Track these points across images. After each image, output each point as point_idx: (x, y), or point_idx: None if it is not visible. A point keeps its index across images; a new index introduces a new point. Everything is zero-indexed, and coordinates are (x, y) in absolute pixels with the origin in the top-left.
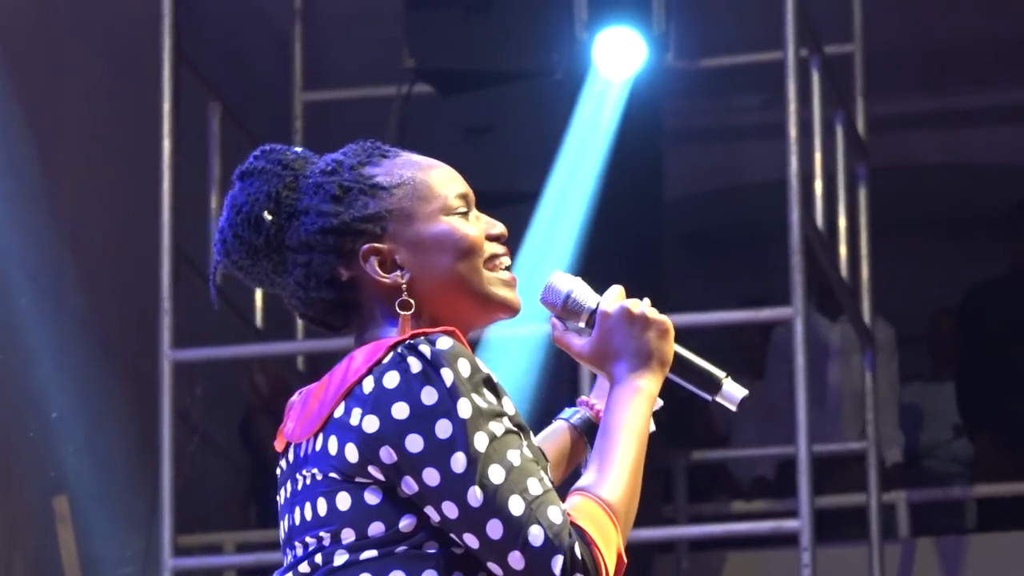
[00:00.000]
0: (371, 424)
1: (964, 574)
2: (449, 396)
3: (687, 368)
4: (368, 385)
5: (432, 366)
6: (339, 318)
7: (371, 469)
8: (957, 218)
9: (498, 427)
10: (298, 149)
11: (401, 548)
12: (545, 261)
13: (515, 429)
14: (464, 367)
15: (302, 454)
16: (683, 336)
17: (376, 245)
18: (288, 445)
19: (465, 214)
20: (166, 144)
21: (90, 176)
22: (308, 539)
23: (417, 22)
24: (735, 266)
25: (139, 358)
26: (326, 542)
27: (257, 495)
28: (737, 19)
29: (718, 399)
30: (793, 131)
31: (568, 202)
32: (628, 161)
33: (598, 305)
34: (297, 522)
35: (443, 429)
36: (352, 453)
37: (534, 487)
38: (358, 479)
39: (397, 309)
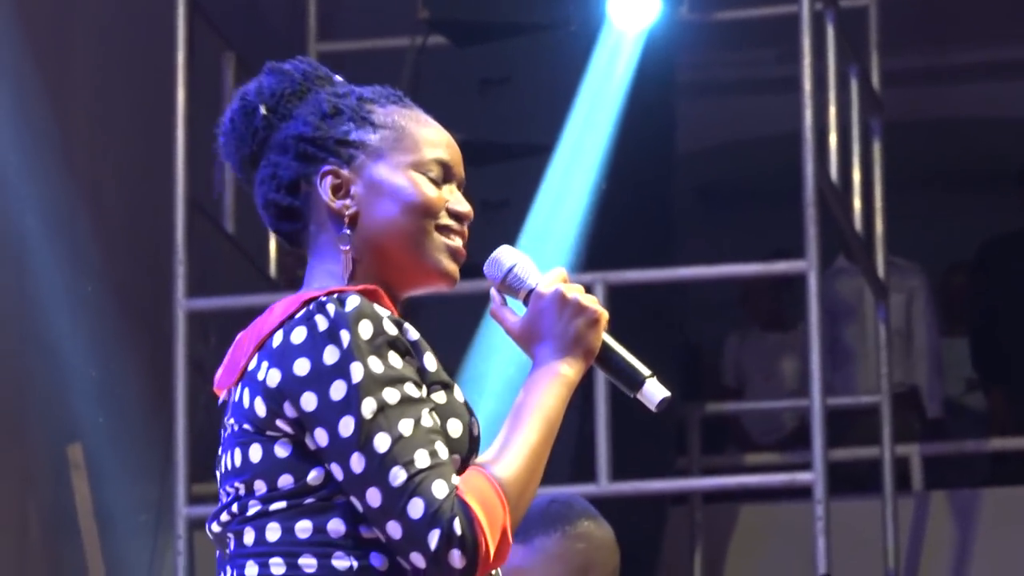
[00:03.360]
0: (274, 378)
1: (977, 527)
2: (345, 358)
3: (611, 362)
4: (277, 339)
5: (336, 325)
6: (288, 227)
7: (279, 423)
8: (972, 171)
9: (393, 394)
10: (338, 77)
11: (309, 500)
12: (560, 213)
13: (417, 396)
14: (365, 329)
15: (229, 402)
16: (698, 290)
17: (337, 169)
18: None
19: (437, 182)
20: (180, 95)
21: (104, 127)
22: (228, 488)
23: None
24: (748, 219)
25: (154, 308)
26: (242, 492)
27: None
28: None
29: (639, 397)
30: (808, 85)
31: (582, 154)
32: (642, 114)
33: (536, 285)
34: (224, 469)
35: (337, 390)
36: (260, 407)
37: (421, 459)
38: (268, 432)
39: (337, 243)
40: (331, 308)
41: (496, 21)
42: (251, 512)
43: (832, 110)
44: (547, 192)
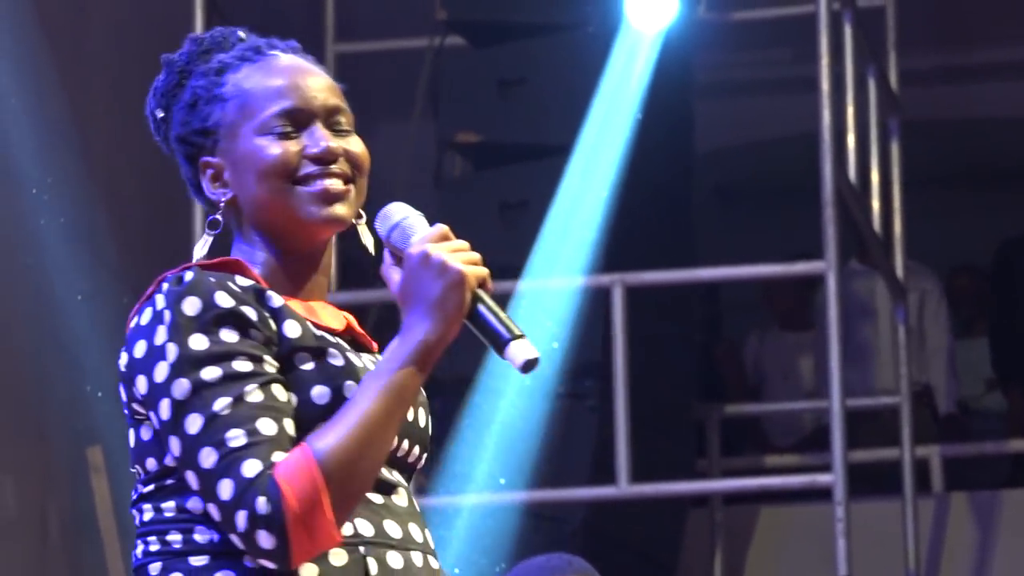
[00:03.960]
0: (123, 361)
1: (998, 529)
2: (166, 339)
3: (479, 322)
4: (133, 321)
5: (166, 304)
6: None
7: (135, 406)
8: (991, 171)
9: (213, 371)
10: (220, 33)
11: (169, 481)
12: (577, 214)
13: (247, 371)
14: (191, 305)
15: None
16: (713, 288)
17: (209, 160)
18: None
19: (285, 134)
20: None
21: (123, 127)
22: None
23: None
24: (766, 220)
25: None
26: (135, 477)
27: None
28: None
29: (505, 358)
30: (825, 85)
31: (600, 155)
32: (660, 114)
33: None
34: None
35: (160, 372)
36: (122, 391)
37: (235, 439)
38: (135, 416)
39: (205, 228)
40: (165, 286)
41: (514, 22)
42: (136, 496)
43: (850, 110)
44: (565, 193)
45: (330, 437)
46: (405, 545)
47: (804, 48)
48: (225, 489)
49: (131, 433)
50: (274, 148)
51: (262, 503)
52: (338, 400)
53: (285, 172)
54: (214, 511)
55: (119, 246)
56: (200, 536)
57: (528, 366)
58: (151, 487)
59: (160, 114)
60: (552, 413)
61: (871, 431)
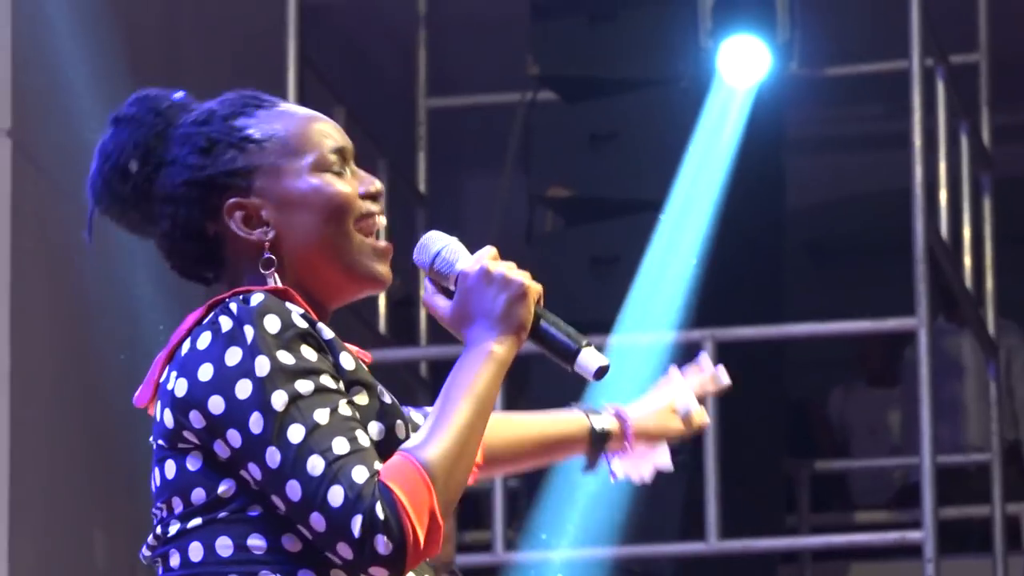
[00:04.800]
0: (181, 388)
1: None
2: (250, 354)
3: (544, 335)
4: (185, 347)
5: (239, 324)
6: (207, 271)
7: (186, 434)
8: None
9: (306, 384)
10: (178, 95)
11: (223, 513)
12: (668, 269)
13: (334, 387)
14: (272, 323)
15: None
16: (806, 345)
17: (241, 200)
18: None
19: (340, 172)
20: None
21: None
22: (154, 510)
23: (542, 29)
24: (857, 275)
25: None
26: (164, 513)
27: None
28: (862, 28)
29: (576, 369)
30: (918, 140)
31: (691, 210)
32: (751, 169)
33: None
34: (152, 492)
35: (243, 389)
36: (169, 419)
37: (339, 446)
38: (180, 445)
39: (260, 268)
40: (234, 307)
41: (606, 77)
42: (172, 532)
43: (942, 166)
44: (657, 248)
45: (429, 445)
46: None
47: (897, 103)
48: (336, 496)
49: (169, 465)
50: (338, 184)
51: (379, 508)
52: (390, 438)
53: (350, 210)
54: (319, 521)
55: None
56: None
57: (600, 372)
58: (197, 521)
59: (134, 167)
60: None
61: (960, 488)
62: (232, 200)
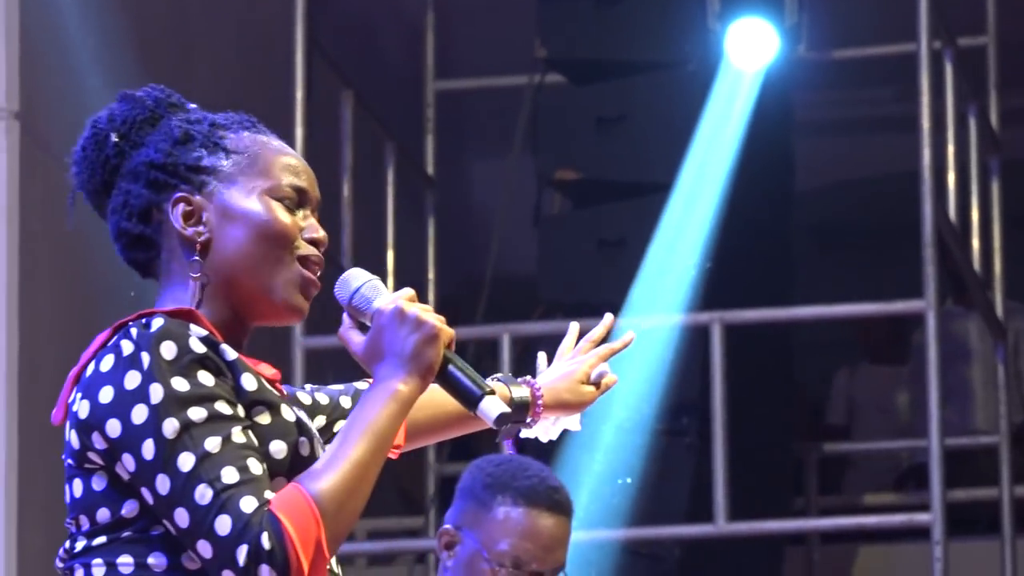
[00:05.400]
0: (84, 409)
1: None
2: (146, 380)
3: (449, 379)
4: (89, 369)
5: (138, 348)
6: (141, 256)
7: (91, 455)
8: None
9: (199, 412)
10: (192, 105)
11: (127, 533)
12: (677, 252)
13: (229, 413)
14: (168, 350)
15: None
16: (810, 327)
17: (188, 196)
18: None
19: (291, 208)
20: (298, 133)
21: None
22: (66, 523)
23: (550, 12)
24: (865, 258)
25: (272, 345)
26: (72, 529)
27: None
28: (870, 10)
29: (477, 414)
30: (926, 123)
31: (699, 193)
32: (759, 152)
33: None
34: (67, 505)
35: (139, 414)
36: (75, 439)
37: (229, 475)
38: (86, 465)
39: (187, 271)
40: (135, 332)
41: (613, 59)
42: (78, 549)
43: (950, 149)
44: (664, 230)
45: (321, 478)
46: None
47: (905, 86)
48: (223, 525)
49: (76, 484)
50: (284, 215)
51: (265, 538)
52: (294, 456)
53: (286, 242)
54: (205, 548)
55: None
56: None
57: (501, 420)
58: (101, 539)
59: (114, 138)
60: (650, 450)
61: (968, 471)
62: (181, 193)
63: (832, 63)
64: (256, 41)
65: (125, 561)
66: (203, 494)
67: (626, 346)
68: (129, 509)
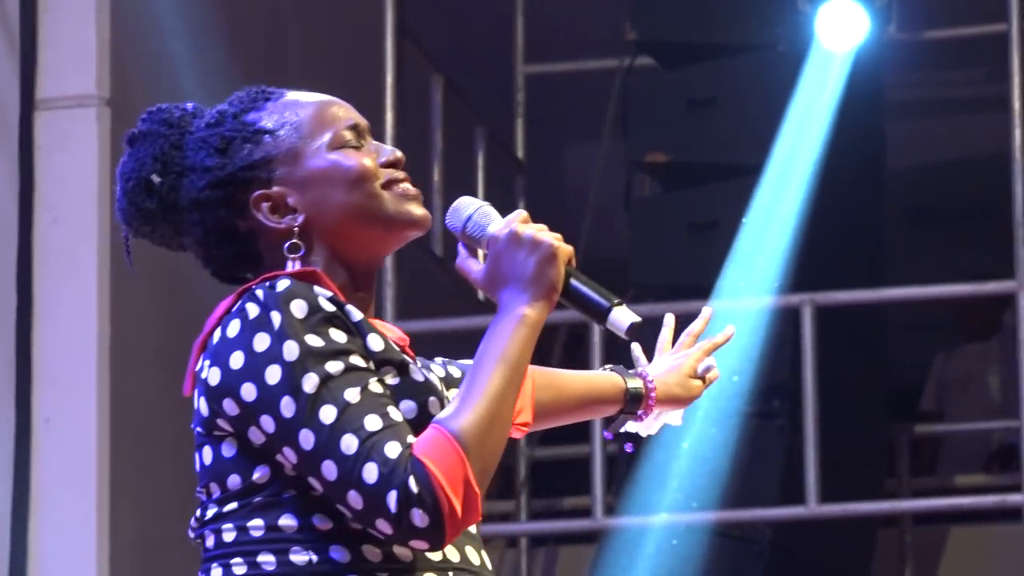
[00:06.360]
0: (214, 376)
1: None
2: (278, 340)
3: (576, 295)
4: (216, 336)
5: (266, 310)
6: (245, 271)
7: (220, 422)
8: None
9: (335, 365)
10: (188, 105)
11: (258, 499)
12: (768, 234)
13: (364, 366)
14: (299, 308)
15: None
16: (906, 308)
17: (266, 191)
18: None
19: (356, 147)
20: (389, 117)
21: None
22: (197, 492)
23: None
24: (958, 239)
25: None
26: (203, 497)
27: None
28: None
29: (608, 327)
30: (1017, 103)
31: (791, 175)
32: (851, 134)
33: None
34: (197, 474)
35: (273, 374)
36: (204, 407)
37: (372, 423)
38: (215, 433)
39: (286, 253)
40: (260, 293)
41: (703, 42)
42: (209, 516)
43: None
44: (755, 212)
45: (460, 415)
46: (480, 572)
47: (996, 67)
48: (370, 472)
49: (206, 452)
50: (356, 157)
51: (412, 482)
52: (423, 415)
53: (371, 178)
54: (356, 499)
55: None
56: (297, 557)
57: (632, 330)
58: (232, 505)
59: (157, 179)
60: (741, 433)
61: None
62: (257, 193)
63: (922, 44)
64: (346, 27)
65: (256, 524)
66: (348, 444)
67: (728, 340)
68: (260, 474)
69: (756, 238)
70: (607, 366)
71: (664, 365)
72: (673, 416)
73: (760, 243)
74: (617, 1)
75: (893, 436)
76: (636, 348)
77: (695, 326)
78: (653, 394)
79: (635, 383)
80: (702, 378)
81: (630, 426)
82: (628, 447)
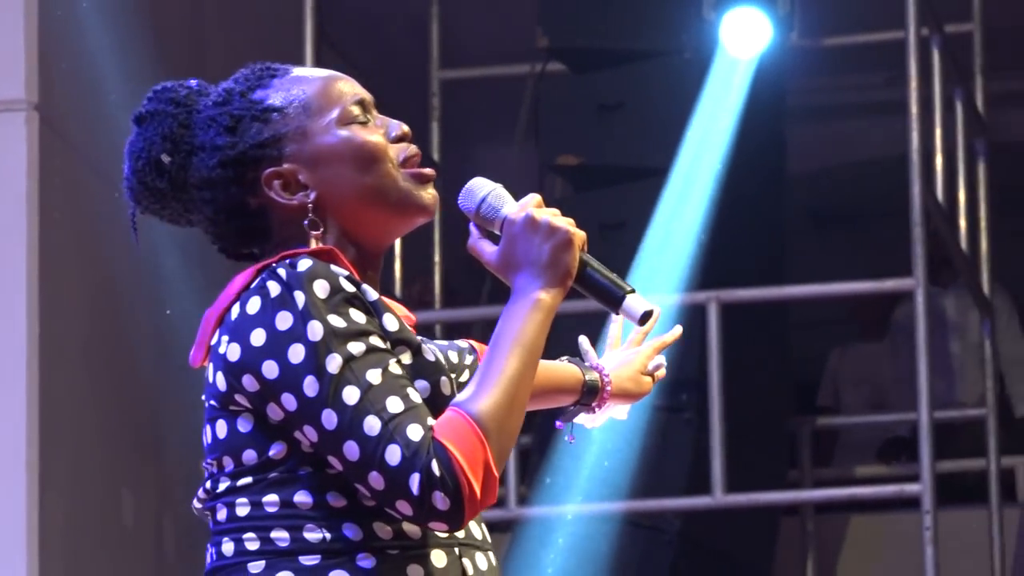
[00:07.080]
0: (234, 352)
1: None
2: (301, 319)
3: (590, 282)
4: (234, 311)
5: (288, 289)
6: (256, 246)
7: (238, 397)
8: None
9: (357, 346)
10: (193, 82)
11: (273, 474)
12: (675, 234)
13: (383, 347)
14: (321, 288)
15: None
16: (806, 306)
17: (277, 169)
18: None
19: (364, 123)
20: None
21: None
22: (205, 465)
23: (550, 3)
24: (858, 239)
25: None
26: (214, 469)
27: None
28: None
29: (622, 314)
30: (914, 108)
31: (697, 177)
32: (754, 137)
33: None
34: (204, 447)
35: (296, 353)
36: (221, 382)
37: (394, 405)
38: (231, 407)
39: (307, 230)
40: (282, 272)
41: (613, 48)
42: (221, 489)
43: (938, 132)
44: (663, 213)
45: (479, 398)
46: (483, 546)
47: (893, 72)
48: (393, 454)
49: (220, 425)
50: (366, 133)
51: (435, 465)
52: (436, 395)
53: (383, 155)
54: (377, 480)
55: (233, 265)
56: (311, 534)
57: (646, 317)
58: (247, 479)
59: (167, 158)
60: (650, 426)
61: (951, 443)
62: (268, 170)
63: (823, 50)
64: (268, 32)
65: (270, 500)
66: (371, 425)
67: (676, 339)
68: (276, 451)
69: (663, 238)
70: (564, 357)
71: (615, 360)
72: (619, 410)
73: (667, 243)
74: (529, 9)
75: (795, 428)
76: (584, 341)
77: (646, 324)
78: (608, 388)
79: (592, 376)
80: (650, 374)
81: (580, 419)
82: (570, 438)
